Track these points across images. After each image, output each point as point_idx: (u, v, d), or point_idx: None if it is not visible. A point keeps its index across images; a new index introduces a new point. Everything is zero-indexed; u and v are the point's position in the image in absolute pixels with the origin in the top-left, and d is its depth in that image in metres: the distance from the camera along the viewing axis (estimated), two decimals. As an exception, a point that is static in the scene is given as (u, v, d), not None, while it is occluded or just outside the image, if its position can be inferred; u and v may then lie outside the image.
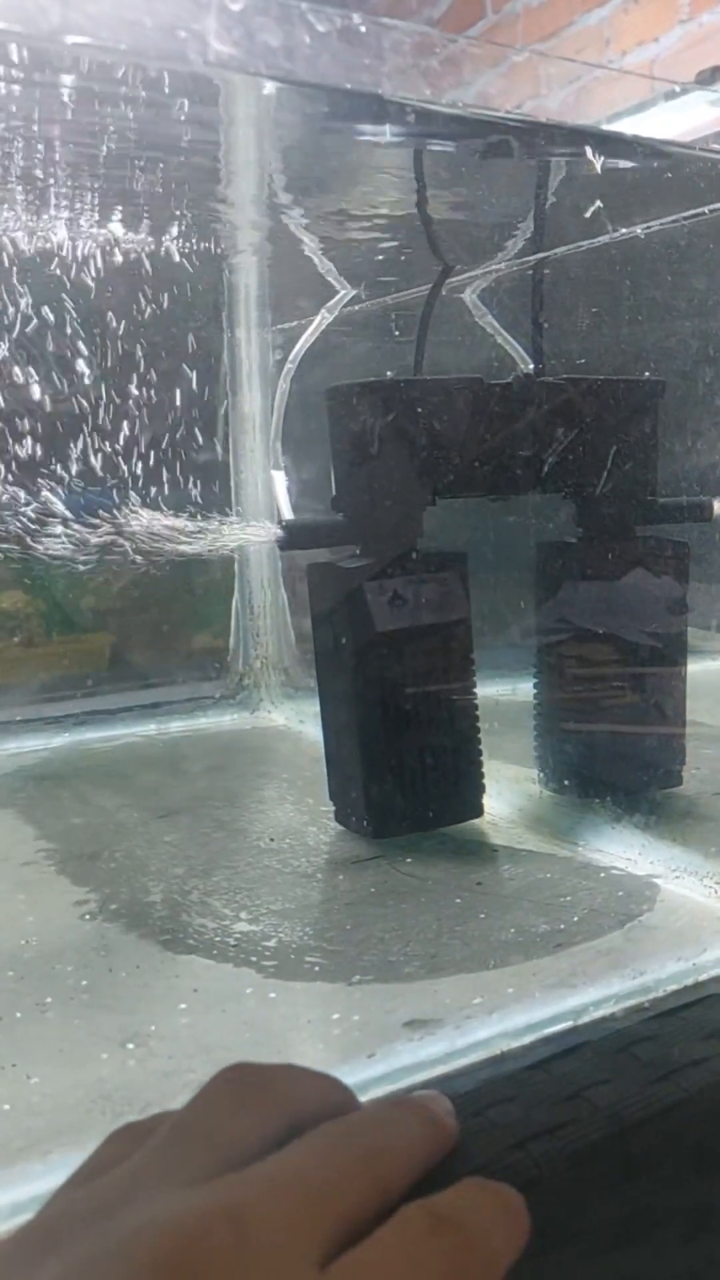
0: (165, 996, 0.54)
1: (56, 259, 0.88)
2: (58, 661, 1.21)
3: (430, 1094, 0.36)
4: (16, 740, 1.06)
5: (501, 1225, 0.29)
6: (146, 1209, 0.26)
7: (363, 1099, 0.47)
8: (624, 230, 0.72)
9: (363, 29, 0.41)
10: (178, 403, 1.00)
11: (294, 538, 0.73)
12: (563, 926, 0.60)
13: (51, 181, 0.70)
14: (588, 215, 0.68)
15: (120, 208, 0.82)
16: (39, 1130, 0.43)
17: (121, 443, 0.98)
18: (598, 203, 0.66)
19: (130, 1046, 0.49)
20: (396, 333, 0.99)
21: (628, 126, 0.65)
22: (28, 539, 0.80)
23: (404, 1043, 0.49)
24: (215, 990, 0.54)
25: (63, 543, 0.80)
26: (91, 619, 1.22)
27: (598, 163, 0.55)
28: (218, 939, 0.60)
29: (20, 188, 0.76)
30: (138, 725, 1.14)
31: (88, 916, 0.64)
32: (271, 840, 0.76)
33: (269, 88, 0.53)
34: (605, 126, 0.58)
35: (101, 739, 1.10)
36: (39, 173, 0.71)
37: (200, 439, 1.02)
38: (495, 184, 0.73)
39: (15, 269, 0.86)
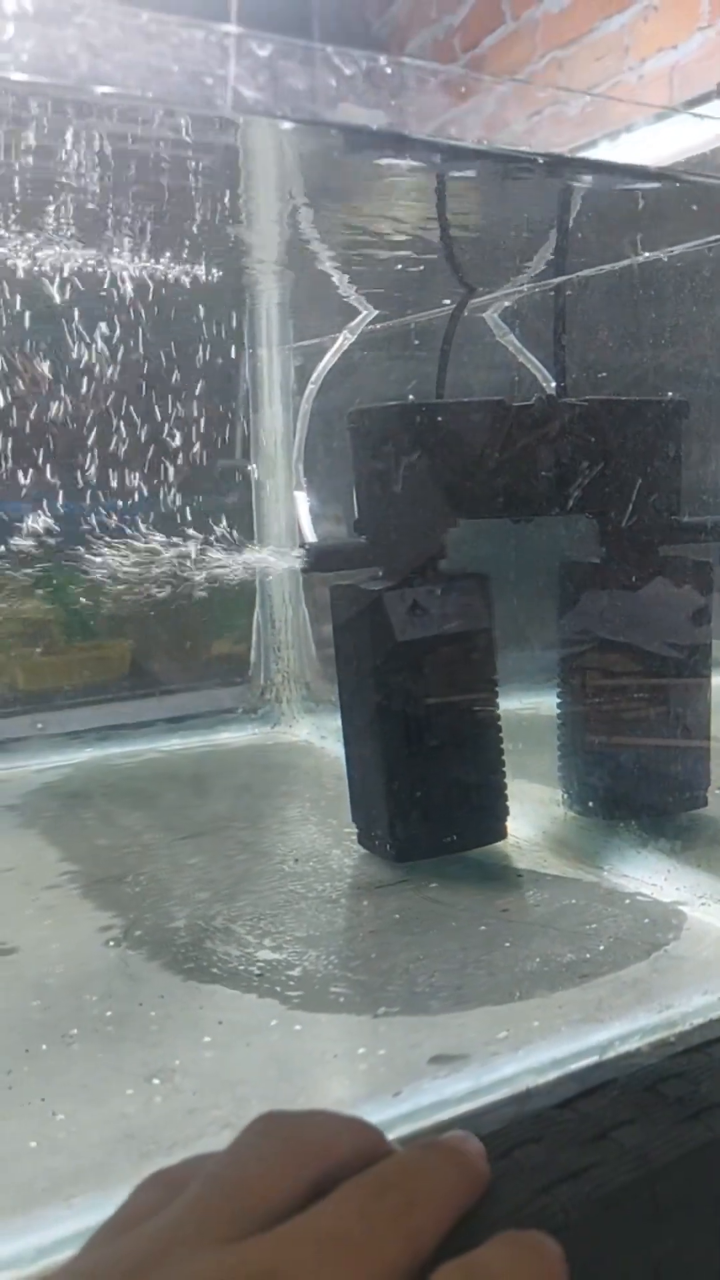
0: (190, 1029, 0.54)
1: (80, 285, 0.89)
2: (78, 670, 1.22)
3: (462, 1136, 0.36)
4: (41, 756, 1.07)
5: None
6: (183, 1269, 0.25)
7: (390, 1137, 0.47)
8: (646, 254, 0.71)
9: (388, 70, 0.41)
10: (199, 423, 1.00)
11: (317, 560, 0.73)
12: (588, 956, 0.60)
13: (73, 213, 0.70)
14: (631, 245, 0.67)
15: (143, 237, 0.82)
16: (63, 1171, 0.43)
17: (142, 464, 0.99)
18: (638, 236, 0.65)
19: (155, 1082, 0.49)
20: (416, 342, 0.99)
21: (645, 151, 0.64)
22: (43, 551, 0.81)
23: (430, 1080, 0.49)
24: (240, 1022, 0.54)
25: (79, 561, 0.80)
26: (110, 627, 1.22)
27: (640, 204, 0.55)
28: (241, 968, 0.60)
29: (46, 220, 0.76)
30: (160, 740, 1.14)
31: (112, 943, 0.64)
32: (295, 863, 0.76)
33: (287, 126, 0.53)
34: (622, 160, 0.58)
35: (125, 754, 1.10)
36: (64, 203, 0.71)
37: (222, 460, 1.02)
38: (515, 206, 0.73)
39: (40, 296, 0.87)
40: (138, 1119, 0.46)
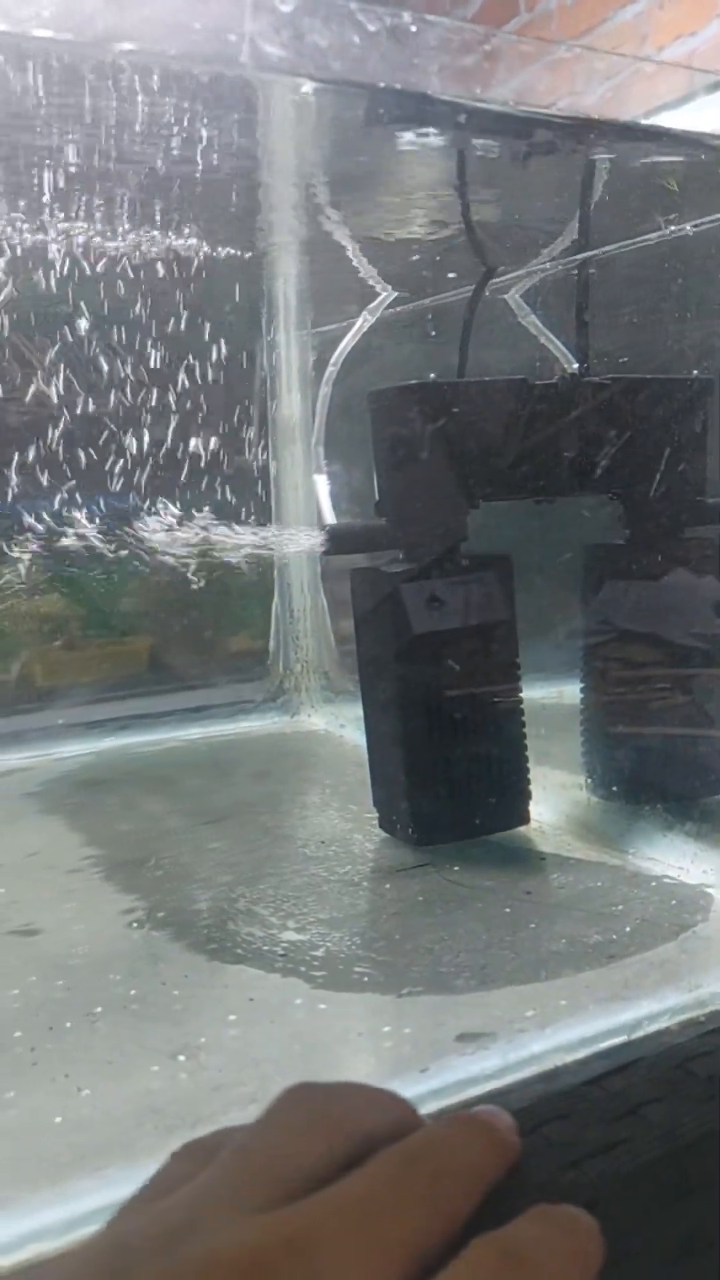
0: (214, 1007, 0.54)
1: (95, 264, 0.89)
2: (97, 665, 1.22)
3: (492, 1110, 0.35)
4: (63, 745, 1.07)
5: (575, 1256, 0.28)
6: (214, 1237, 0.25)
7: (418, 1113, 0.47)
8: (673, 228, 0.70)
9: (413, 28, 0.40)
10: (217, 407, 1.00)
11: (337, 542, 0.72)
12: (614, 937, 0.59)
13: (85, 187, 0.70)
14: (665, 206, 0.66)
15: (157, 212, 0.82)
16: (91, 1145, 0.43)
17: (160, 448, 0.99)
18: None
19: (180, 1059, 0.49)
20: (433, 334, 0.99)
21: (671, 120, 0.63)
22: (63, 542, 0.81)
23: (457, 1057, 0.48)
24: (264, 1001, 0.54)
25: (99, 548, 0.80)
26: (129, 622, 1.22)
27: (674, 185, 0.54)
28: (265, 948, 0.60)
29: (58, 194, 0.76)
30: (180, 729, 1.14)
31: (135, 925, 0.64)
32: (317, 846, 0.76)
33: (307, 88, 0.53)
34: (649, 121, 0.57)
35: (145, 743, 1.10)
36: (73, 178, 0.71)
37: (241, 444, 1.02)
38: (536, 184, 0.73)
39: (52, 275, 0.87)
40: (163, 1095, 0.46)
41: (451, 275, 0.87)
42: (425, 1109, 0.46)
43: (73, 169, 0.66)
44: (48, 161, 0.68)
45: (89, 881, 0.72)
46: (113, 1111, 0.45)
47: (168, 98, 0.56)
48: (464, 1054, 0.49)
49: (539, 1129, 0.45)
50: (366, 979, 0.56)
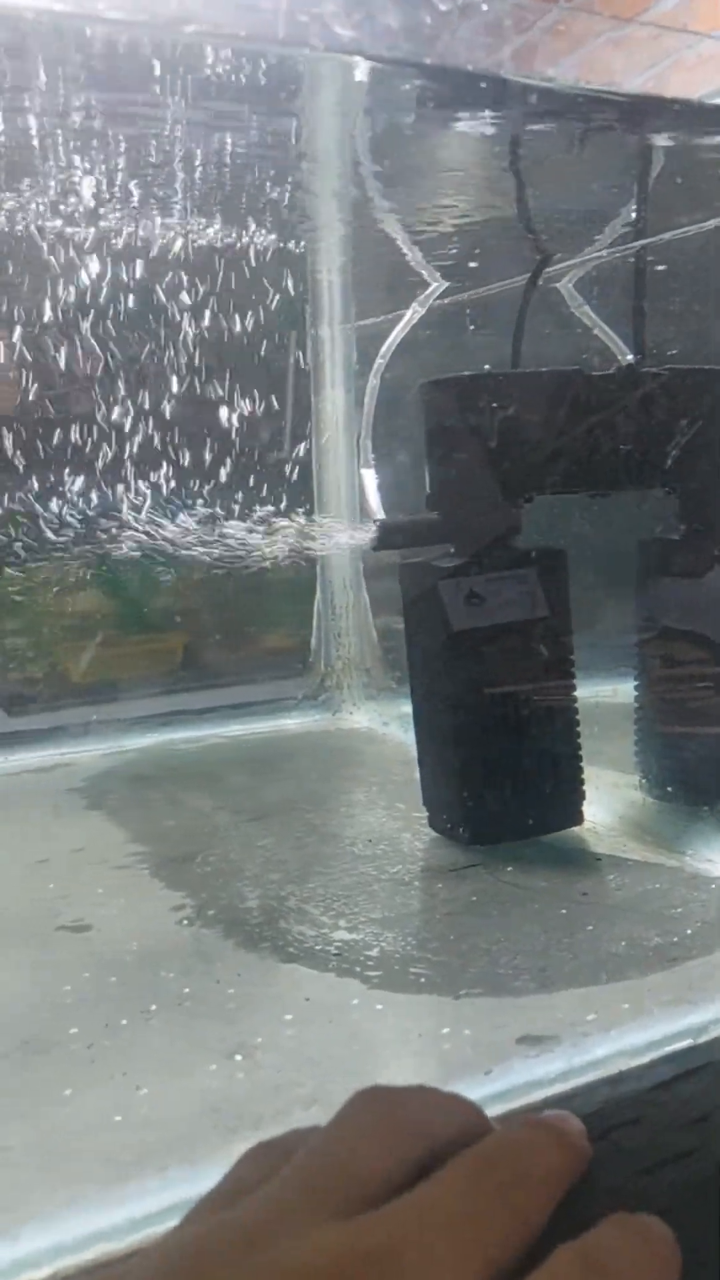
0: (269, 1006, 0.53)
1: (136, 254, 0.88)
2: (134, 662, 1.22)
3: (562, 1114, 0.35)
4: (106, 741, 1.07)
5: (655, 1265, 0.27)
6: (295, 1245, 0.24)
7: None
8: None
9: (484, 6, 0.39)
10: (261, 401, 0.99)
11: (387, 538, 0.71)
12: (675, 940, 0.58)
13: (130, 177, 0.69)
14: None
15: (202, 202, 0.81)
16: (152, 1144, 0.42)
17: (205, 443, 0.98)
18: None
19: (238, 1058, 0.48)
20: (472, 328, 0.97)
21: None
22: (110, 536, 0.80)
23: (520, 1060, 0.47)
24: (320, 1001, 0.53)
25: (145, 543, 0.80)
26: (165, 619, 1.22)
27: None
28: (318, 948, 0.59)
29: (103, 184, 0.76)
30: (222, 725, 1.14)
31: (185, 922, 0.63)
32: (366, 845, 0.75)
33: (360, 74, 0.52)
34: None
35: (188, 739, 1.10)
36: (119, 168, 0.70)
37: (285, 438, 1.01)
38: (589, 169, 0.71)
39: (93, 266, 0.86)
40: (221, 1094, 0.45)
41: (472, 265, 0.85)
42: (489, 1112, 0.45)
43: (122, 158, 0.66)
44: (97, 146, 0.68)
45: (137, 877, 0.71)
46: (172, 1110, 0.44)
47: (217, 83, 0.55)
48: (527, 1057, 0.48)
49: (609, 1134, 0.44)
50: (423, 980, 0.55)
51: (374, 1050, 0.49)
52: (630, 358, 0.73)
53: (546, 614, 0.70)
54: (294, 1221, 0.26)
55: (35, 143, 0.67)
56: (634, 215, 0.68)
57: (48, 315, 0.92)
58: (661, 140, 0.62)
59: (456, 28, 0.39)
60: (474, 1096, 0.46)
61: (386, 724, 1.10)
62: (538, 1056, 0.48)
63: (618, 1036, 0.49)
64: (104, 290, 0.89)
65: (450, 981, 0.55)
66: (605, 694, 0.81)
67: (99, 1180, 0.39)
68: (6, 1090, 0.46)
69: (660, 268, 0.74)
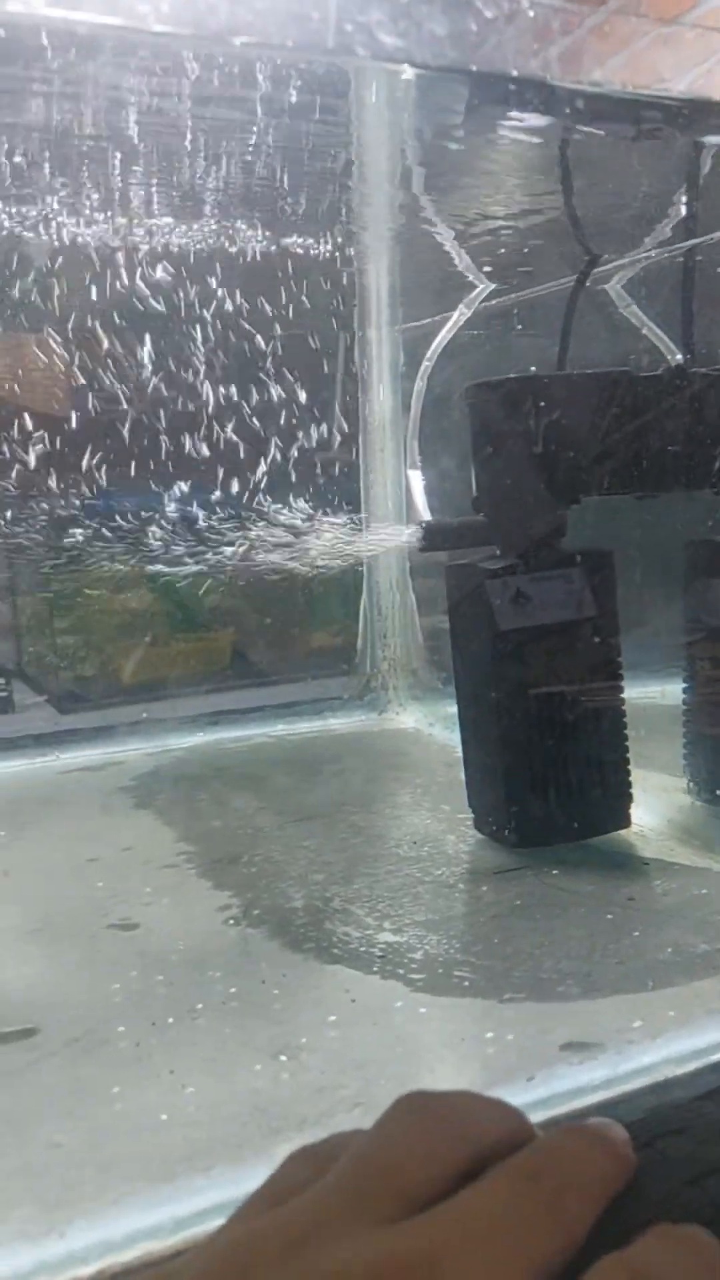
0: (314, 1007, 0.53)
1: (185, 259, 0.89)
2: (183, 660, 1.23)
3: (606, 1122, 0.34)
4: (154, 740, 1.08)
5: (699, 1278, 0.27)
6: (340, 1250, 0.25)
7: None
8: None
9: (530, 12, 0.39)
10: (307, 403, 1.00)
11: (434, 539, 0.71)
12: (723, 947, 0.57)
13: (179, 182, 0.70)
14: None
15: (249, 207, 0.82)
16: (198, 1143, 0.43)
17: (251, 445, 0.99)
18: None
19: (283, 1059, 0.49)
20: (519, 326, 0.97)
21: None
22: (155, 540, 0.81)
23: (564, 1066, 0.47)
24: (365, 1002, 0.54)
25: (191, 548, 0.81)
26: (213, 618, 1.23)
27: None
28: (363, 949, 0.59)
29: (154, 190, 0.77)
30: (268, 725, 1.14)
31: (232, 922, 0.64)
32: (411, 847, 0.75)
33: (409, 77, 0.52)
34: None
35: (234, 739, 1.11)
36: (171, 173, 0.71)
37: (332, 440, 1.01)
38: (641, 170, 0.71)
39: (143, 268, 0.87)
40: (267, 1094, 0.46)
41: (523, 268, 0.84)
42: (533, 1118, 0.45)
43: (161, 163, 0.66)
44: (143, 151, 0.69)
45: (184, 877, 0.72)
46: (218, 1110, 0.45)
47: (264, 91, 0.56)
48: (571, 1064, 0.48)
49: (653, 1143, 0.44)
50: (467, 983, 0.55)
51: (417, 1053, 0.50)
52: (679, 358, 0.72)
53: (594, 614, 0.69)
54: (337, 1226, 0.26)
55: (84, 149, 0.68)
56: (685, 214, 0.67)
57: (95, 320, 0.93)
58: (713, 139, 0.61)
59: (503, 34, 0.39)
60: (517, 1103, 0.46)
61: (432, 725, 1.10)
62: (581, 1064, 0.48)
63: (664, 1044, 0.49)
64: (143, 294, 0.90)
65: (494, 985, 0.55)
66: (653, 695, 0.80)
67: (146, 1179, 0.40)
68: (57, 1088, 0.47)
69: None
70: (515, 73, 0.40)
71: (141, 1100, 0.46)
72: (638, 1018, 0.51)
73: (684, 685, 0.77)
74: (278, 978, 0.57)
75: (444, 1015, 0.53)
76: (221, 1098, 0.46)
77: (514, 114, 0.55)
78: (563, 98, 0.46)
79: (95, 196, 0.77)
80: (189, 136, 0.61)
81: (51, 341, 0.96)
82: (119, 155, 0.66)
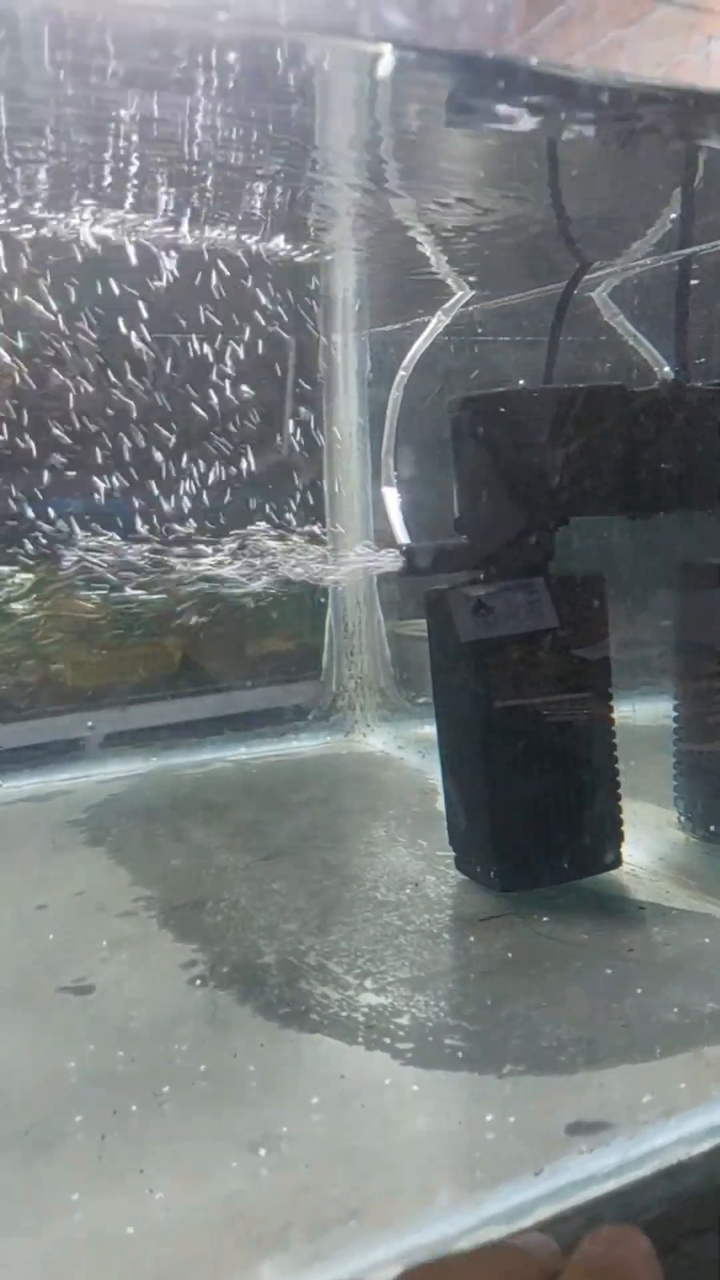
0: (293, 1087, 0.48)
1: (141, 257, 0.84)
2: (132, 666, 1.17)
3: (631, 1234, 0.31)
4: (105, 765, 1.02)
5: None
6: None
7: (529, 1220, 0.41)
8: None
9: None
10: (269, 413, 0.95)
11: (416, 563, 0.67)
12: (731, 1005, 0.53)
13: (139, 174, 0.65)
14: None
15: (210, 199, 0.76)
16: (168, 1262, 0.37)
17: (210, 458, 0.94)
18: None
19: (261, 1153, 0.44)
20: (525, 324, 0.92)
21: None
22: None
23: (573, 1156, 0.43)
24: (350, 1079, 0.49)
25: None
26: (162, 626, 1.17)
27: None
28: (344, 1014, 0.54)
29: (109, 181, 0.71)
30: (228, 749, 1.09)
31: (198, 981, 0.59)
32: (391, 888, 0.70)
33: (385, 67, 0.47)
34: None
35: (192, 764, 1.05)
36: (128, 164, 0.66)
37: (295, 452, 0.96)
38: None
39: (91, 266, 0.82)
40: (245, 1198, 0.41)
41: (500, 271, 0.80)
42: (538, 1213, 0.41)
43: (134, 161, 0.61)
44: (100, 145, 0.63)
45: (143, 927, 0.67)
46: (191, 1218, 0.40)
47: (235, 78, 0.51)
48: (579, 1151, 0.43)
49: (678, 1247, 0.40)
50: (460, 1054, 0.51)
51: (412, 1144, 0.45)
52: (669, 370, 0.68)
53: (604, 644, 0.65)
54: None
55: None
56: (677, 221, 0.63)
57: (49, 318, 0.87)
58: (711, 142, 0.57)
59: (522, 15, 0.34)
60: (525, 1198, 0.42)
61: (402, 747, 1.06)
62: (591, 1151, 0.43)
63: (676, 1124, 0.45)
64: (105, 296, 0.85)
65: (490, 1056, 0.50)
66: (625, 712, 0.76)
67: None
68: (7, 1193, 0.42)
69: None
70: (533, 61, 0.36)
71: (104, 1209, 0.40)
72: (647, 1091, 0.47)
73: (675, 713, 0.73)
74: (253, 1049, 0.51)
75: (438, 1094, 0.48)
76: (194, 1203, 0.41)
77: (500, 105, 0.51)
78: (592, 91, 0.41)
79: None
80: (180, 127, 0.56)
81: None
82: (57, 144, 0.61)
